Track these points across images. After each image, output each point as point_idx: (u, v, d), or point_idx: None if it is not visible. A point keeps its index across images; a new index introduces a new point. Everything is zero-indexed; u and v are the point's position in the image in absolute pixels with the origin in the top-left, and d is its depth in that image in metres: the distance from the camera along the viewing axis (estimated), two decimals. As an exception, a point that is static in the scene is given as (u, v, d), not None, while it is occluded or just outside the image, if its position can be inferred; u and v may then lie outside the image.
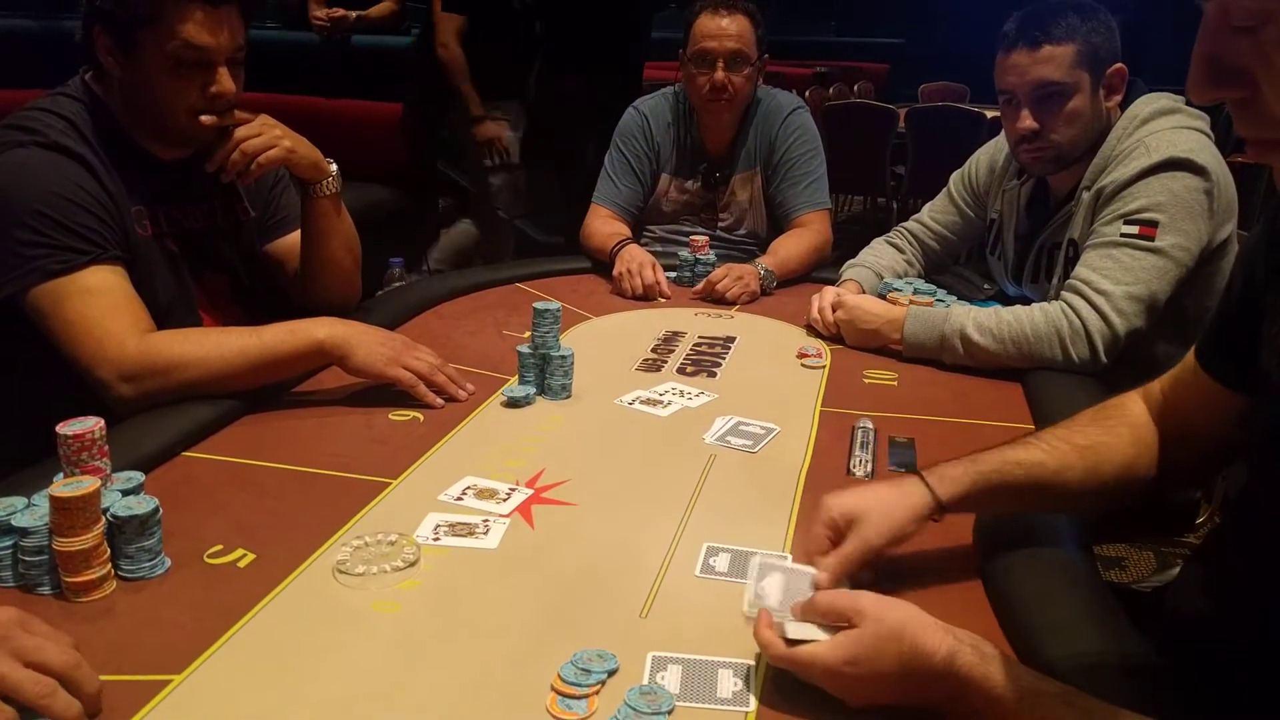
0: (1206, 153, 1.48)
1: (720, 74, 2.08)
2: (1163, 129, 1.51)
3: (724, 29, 2.07)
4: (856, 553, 0.85)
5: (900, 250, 1.95)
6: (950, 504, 0.89)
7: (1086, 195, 1.56)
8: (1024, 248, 1.74)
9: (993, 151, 1.85)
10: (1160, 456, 0.93)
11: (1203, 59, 0.53)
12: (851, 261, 1.92)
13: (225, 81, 1.34)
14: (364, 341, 1.32)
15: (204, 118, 1.34)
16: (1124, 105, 1.58)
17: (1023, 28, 1.52)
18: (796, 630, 0.72)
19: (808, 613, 0.75)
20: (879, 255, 1.92)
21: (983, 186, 1.87)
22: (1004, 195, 1.79)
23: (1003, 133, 1.87)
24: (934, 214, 1.96)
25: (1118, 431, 0.93)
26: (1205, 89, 0.54)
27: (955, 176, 1.94)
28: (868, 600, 0.72)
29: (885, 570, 0.92)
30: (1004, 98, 1.59)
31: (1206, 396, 0.90)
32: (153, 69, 1.30)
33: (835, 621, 0.73)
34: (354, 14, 3.51)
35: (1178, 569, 1.48)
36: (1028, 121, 1.54)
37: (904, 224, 2.00)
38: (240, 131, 1.39)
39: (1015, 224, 1.76)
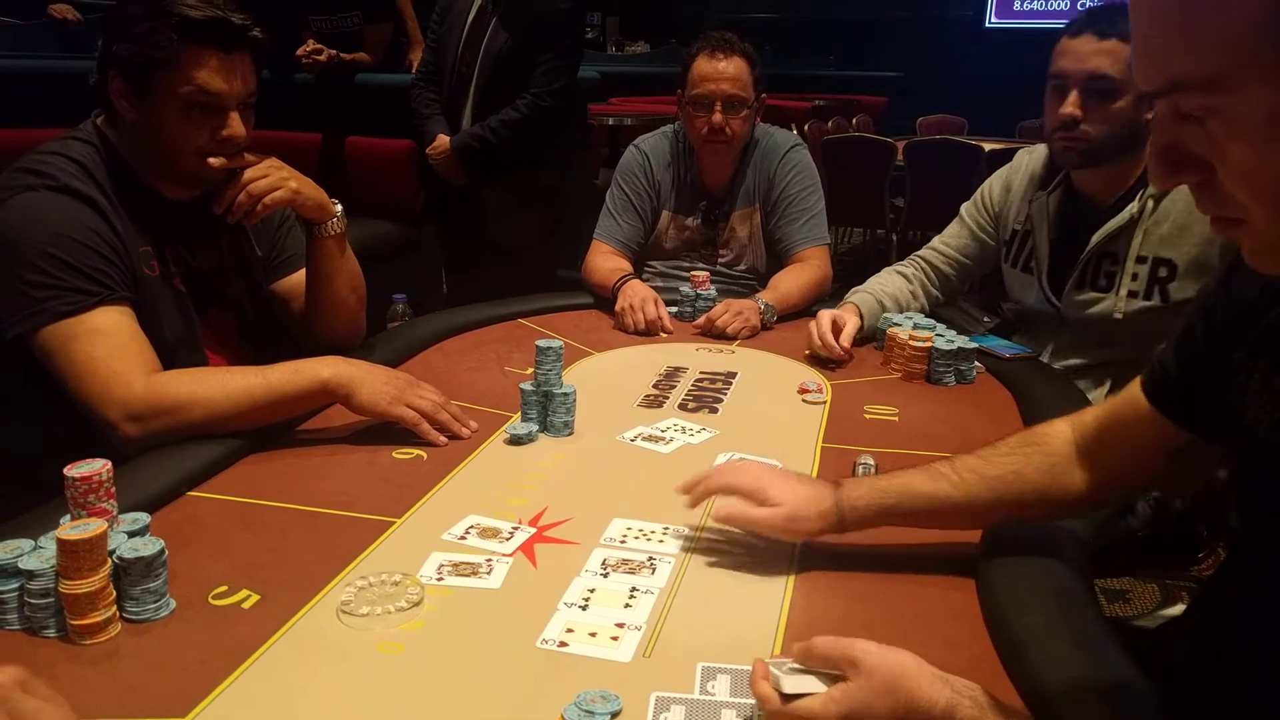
0: None
1: (718, 117, 2.11)
2: None
3: (721, 72, 2.11)
4: (744, 512, 1.00)
5: (908, 280, 1.96)
6: (847, 520, 0.99)
7: (1163, 207, 1.57)
8: (1066, 254, 1.74)
9: (1007, 174, 1.89)
10: (1081, 482, 0.97)
11: (1160, 149, 0.56)
12: (857, 288, 1.94)
13: (236, 126, 1.37)
14: (368, 380, 1.33)
15: (212, 160, 1.37)
16: None
17: (1093, 17, 1.56)
18: (793, 684, 0.72)
19: (803, 658, 0.74)
20: (884, 283, 1.94)
21: (998, 205, 1.90)
22: (1032, 205, 1.81)
23: (1016, 157, 1.90)
24: (946, 241, 1.98)
25: (1032, 459, 0.99)
26: (1165, 176, 0.57)
27: (967, 204, 1.97)
28: (863, 650, 0.72)
29: (885, 609, 0.92)
30: (1054, 82, 1.62)
31: (1150, 430, 0.93)
32: (165, 112, 1.33)
33: (830, 669, 0.73)
34: (335, 54, 3.59)
35: (1181, 603, 1.49)
36: (1071, 107, 1.57)
37: (917, 252, 2.02)
38: (248, 173, 1.41)
39: (1049, 231, 1.77)
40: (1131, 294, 1.62)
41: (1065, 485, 0.97)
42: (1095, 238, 1.68)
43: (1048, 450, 0.99)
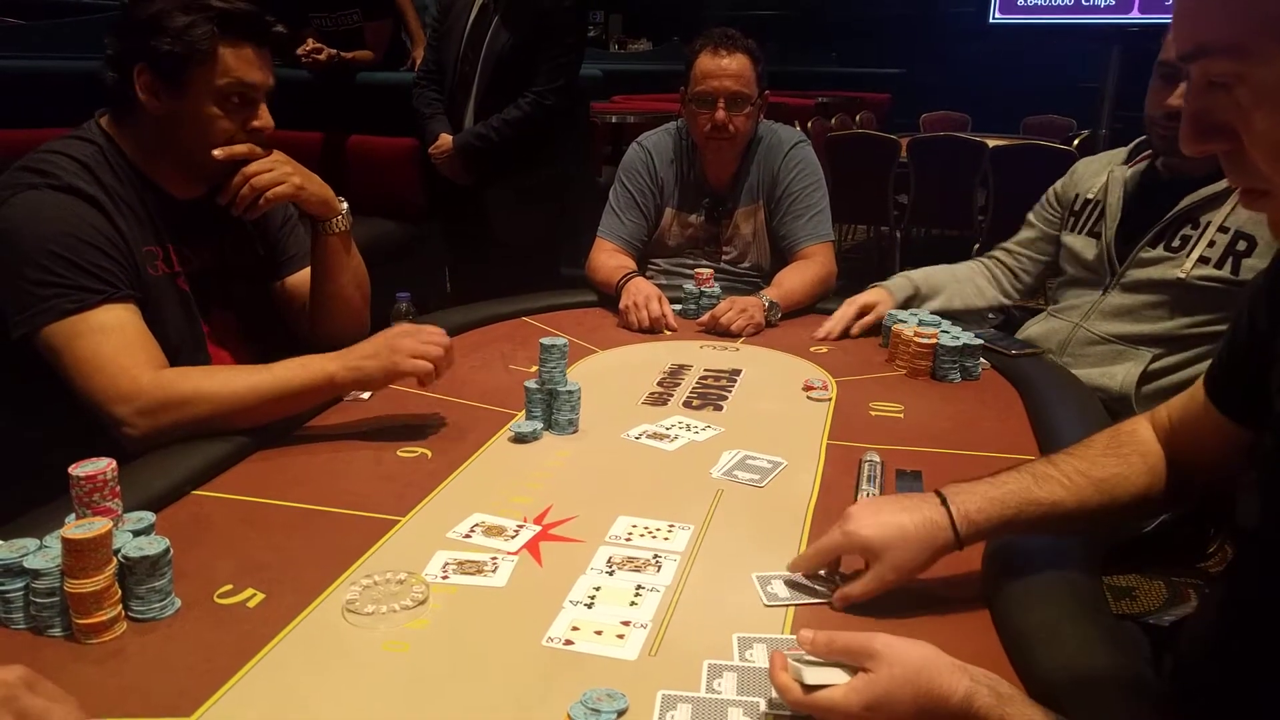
0: None
1: (721, 113, 2.10)
2: None
3: (724, 69, 2.10)
4: (872, 588, 0.87)
5: (988, 271, 2.01)
6: (967, 542, 0.91)
7: None
8: (1137, 220, 1.75)
9: (1074, 167, 1.95)
10: (1167, 481, 0.95)
11: (1191, 115, 0.57)
12: (927, 270, 2.00)
13: (266, 116, 1.42)
14: (373, 357, 1.33)
15: (216, 152, 1.39)
16: None
17: None
18: (814, 675, 0.72)
19: (823, 651, 0.74)
20: (946, 271, 1.99)
21: (1063, 191, 1.94)
22: (1110, 174, 1.83)
23: (1075, 167, 1.95)
24: (1016, 241, 2.02)
25: (1132, 461, 0.96)
26: (1194, 143, 0.57)
27: (1034, 209, 2.01)
28: (883, 642, 0.72)
29: (894, 601, 0.92)
30: (1165, 70, 1.62)
31: (1214, 427, 0.92)
32: (200, 104, 1.36)
33: (850, 661, 0.73)
34: (335, 53, 3.59)
35: (1190, 601, 1.48)
36: (1179, 100, 1.58)
37: (991, 251, 2.06)
38: (251, 166, 1.42)
39: (1125, 195, 1.79)
40: (1203, 259, 1.63)
41: (1162, 484, 0.95)
42: (1186, 200, 1.68)
43: (1142, 450, 0.98)
